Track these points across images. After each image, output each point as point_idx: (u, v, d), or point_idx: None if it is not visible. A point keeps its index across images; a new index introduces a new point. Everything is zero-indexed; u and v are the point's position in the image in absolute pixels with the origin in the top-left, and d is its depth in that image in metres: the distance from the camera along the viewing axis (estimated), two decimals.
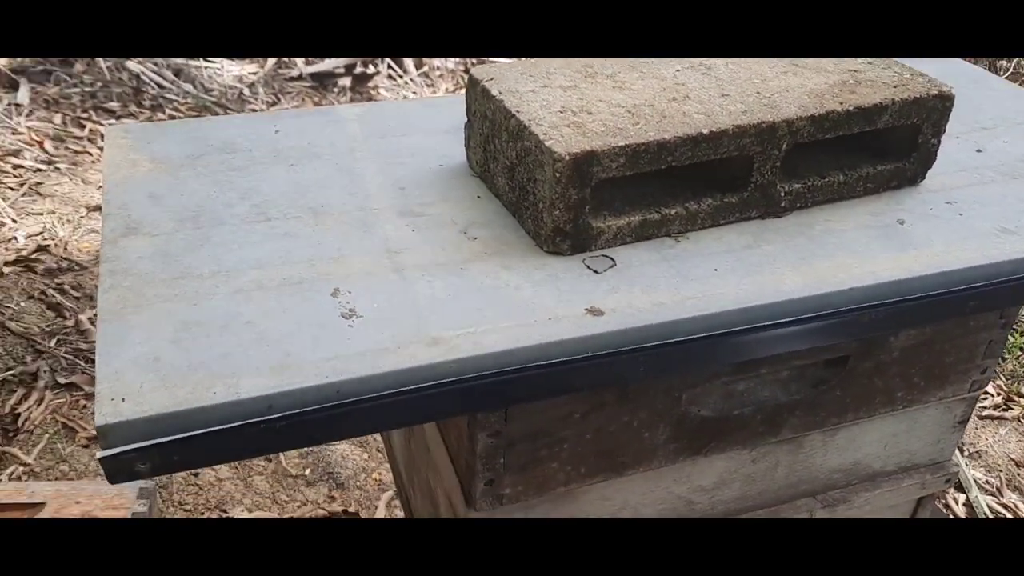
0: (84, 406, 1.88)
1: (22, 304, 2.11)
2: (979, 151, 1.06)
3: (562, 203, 0.80)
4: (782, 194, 0.90)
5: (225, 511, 1.67)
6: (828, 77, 0.94)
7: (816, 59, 0.98)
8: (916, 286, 0.84)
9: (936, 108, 0.92)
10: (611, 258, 0.83)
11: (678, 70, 0.95)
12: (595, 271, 0.82)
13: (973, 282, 0.86)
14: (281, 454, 1.79)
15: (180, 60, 3.22)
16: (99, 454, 0.63)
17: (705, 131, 0.82)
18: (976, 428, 2.03)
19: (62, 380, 1.92)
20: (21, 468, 1.72)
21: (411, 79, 3.42)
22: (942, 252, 0.87)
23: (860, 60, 0.98)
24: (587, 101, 0.87)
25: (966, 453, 1.96)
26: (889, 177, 0.96)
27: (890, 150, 0.96)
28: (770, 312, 0.79)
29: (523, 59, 0.95)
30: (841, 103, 0.88)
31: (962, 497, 1.84)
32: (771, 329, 0.79)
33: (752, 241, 0.87)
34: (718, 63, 0.97)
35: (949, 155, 1.03)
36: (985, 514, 1.79)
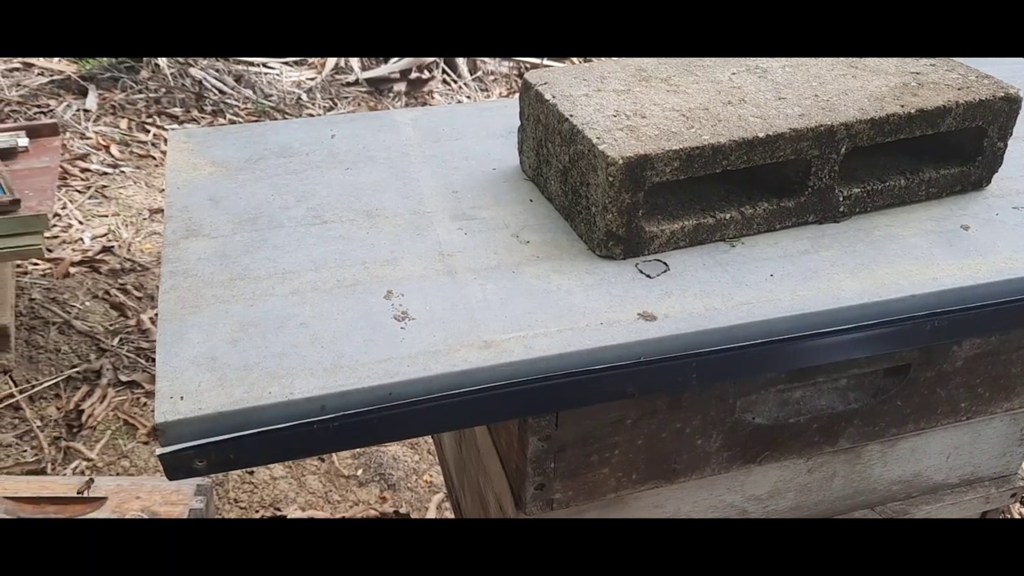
0: (145, 403, 1.92)
1: (87, 304, 2.17)
2: None
3: (615, 207, 0.79)
4: (840, 199, 0.88)
5: (279, 509, 1.70)
6: (889, 79, 0.92)
7: (876, 60, 0.96)
8: (981, 293, 0.81)
9: (1003, 111, 0.89)
10: (664, 263, 0.83)
11: (733, 73, 0.94)
12: (648, 276, 0.81)
13: None
14: (334, 454, 1.81)
15: (240, 66, 3.28)
16: (158, 451, 0.65)
17: (761, 135, 0.81)
18: None
19: (124, 378, 1.98)
20: (84, 463, 1.77)
21: (465, 84, 3.44)
22: (1009, 258, 0.84)
23: (922, 61, 0.96)
24: (641, 105, 0.86)
25: None
26: (953, 181, 0.93)
27: (954, 153, 0.93)
28: (827, 319, 0.78)
29: (577, 63, 0.95)
30: (902, 106, 0.86)
31: None
32: (828, 336, 0.78)
33: (809, 246, 0.86)
34: (774, 65, 0.95)
35: (1016, 159, 0.99)
36: None
